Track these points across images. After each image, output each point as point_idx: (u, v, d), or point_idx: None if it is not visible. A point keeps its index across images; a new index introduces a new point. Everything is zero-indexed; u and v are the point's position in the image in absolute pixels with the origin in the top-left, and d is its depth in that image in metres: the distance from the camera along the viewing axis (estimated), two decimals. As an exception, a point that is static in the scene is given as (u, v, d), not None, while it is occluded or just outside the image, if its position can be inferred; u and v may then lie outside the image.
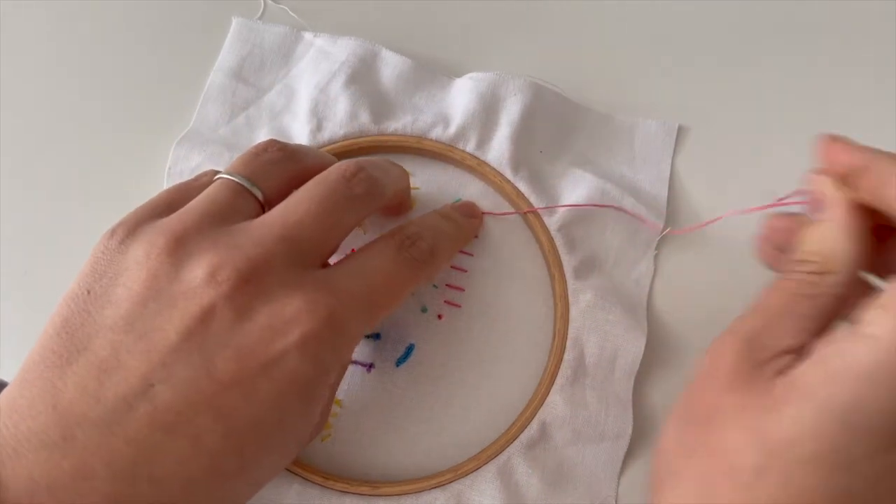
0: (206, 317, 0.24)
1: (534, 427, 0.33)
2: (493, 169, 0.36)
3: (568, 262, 0.35)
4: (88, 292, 0.25)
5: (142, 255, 0.25)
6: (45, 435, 0.22)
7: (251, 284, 0.25)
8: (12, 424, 0.22)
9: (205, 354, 0.24)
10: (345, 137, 0.36)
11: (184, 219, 0.26)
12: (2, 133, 0.37)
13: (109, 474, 0.22)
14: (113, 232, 0.26)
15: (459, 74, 0.38)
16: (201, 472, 0.23)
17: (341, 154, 0.35)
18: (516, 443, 0.32)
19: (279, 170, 0.29)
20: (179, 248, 0.25)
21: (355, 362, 0.34)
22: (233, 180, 0.28)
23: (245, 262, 0.25)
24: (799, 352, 0.23)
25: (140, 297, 0.24)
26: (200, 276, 0.24)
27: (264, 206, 0.28)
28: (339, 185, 0.28)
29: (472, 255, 0.36)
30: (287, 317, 0.25)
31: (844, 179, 0.25)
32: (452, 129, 0.36)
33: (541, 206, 0.35)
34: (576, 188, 0.36)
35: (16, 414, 0.23)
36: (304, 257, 0.26)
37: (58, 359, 0.23)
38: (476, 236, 0.36)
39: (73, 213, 0.36)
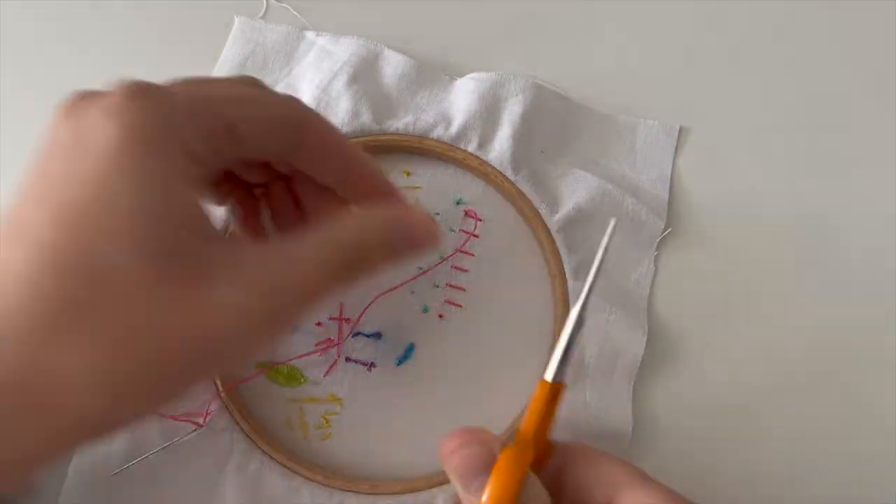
0: (50, 134, 0.24)
1: (534, 427, 0.33)
2: (495, 169, 0.36)
3: (568, 263, 0.35)
4: None
5: None
6: None
7: (87, 91, 0.24)
8: None
9: (39, 157, 0.24)
10: (346, 137, 0.36)
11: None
12: (2, 134, 0.38)
13: None
14: None
15: (461, 74, 0.39)
16: (42, 274, 0.21)
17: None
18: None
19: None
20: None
21: (356, 361, 0.34)
22: None
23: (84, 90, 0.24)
24: None
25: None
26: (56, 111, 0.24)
27: None
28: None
29: (473, 255, 0.36)
30: (107, 94, 0.23)
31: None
32: (454, 129, 0.36)
33: (542, 208, 0.36)
34: (577, 188, 0.36)
35: None
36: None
37: None
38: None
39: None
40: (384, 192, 0.29)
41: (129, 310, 0.22)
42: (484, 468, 0.23)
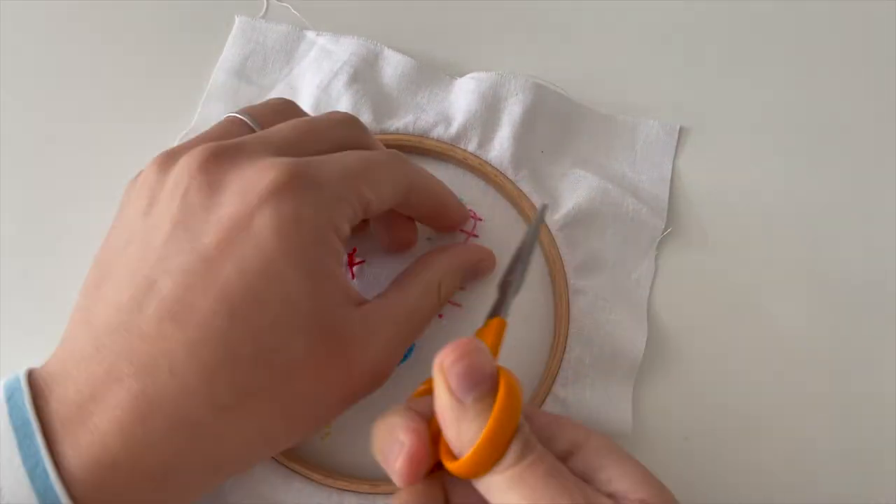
0: (184, 199, 0.25)
1: (534, 426, 0.33)
2: (495, 169, 0.36)
3: (569, 262, 0.35)
4: (113, 228, 0.27)
5: (141, 180, 0.27)
6: (84, 350, 0.24)
7: (221, 158, 0.25)
8: (62, 351, 0.25)
9: (191, 235, 0.24)
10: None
11: (184, 144, 0.28)
12: (2, 135, 0.38)
13: (133, 371, 0.23)
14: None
15: (461, 74, 0.39)
16: (217, 359, 0.23)
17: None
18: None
19: (282, 116, 0.30)
20: (169, 161, 0.26)
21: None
22: (237, 117, 0.29)
23: (216, 146, 0.26)
24: None
25: (141, 211, 0.26)
26: (178, 168, 0.26)
27: None
28: (321, 116, 0.30)
29: (473, 254, 0.36)
30: (255, 177, 0.25)
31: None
32: (454, 129, 0.36)
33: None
34: (577, 188, 0.36)
35: (64, 342, 0.25)
36: (278, 149, 0.27)
37: (91, 286, 0.26)
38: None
39: (75, 213, 0.36)
40: (460, 222, 0.34)
41: (290, 386, 0.25)
42: (489, 377, 0.23)
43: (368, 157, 0.29)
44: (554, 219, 0.36)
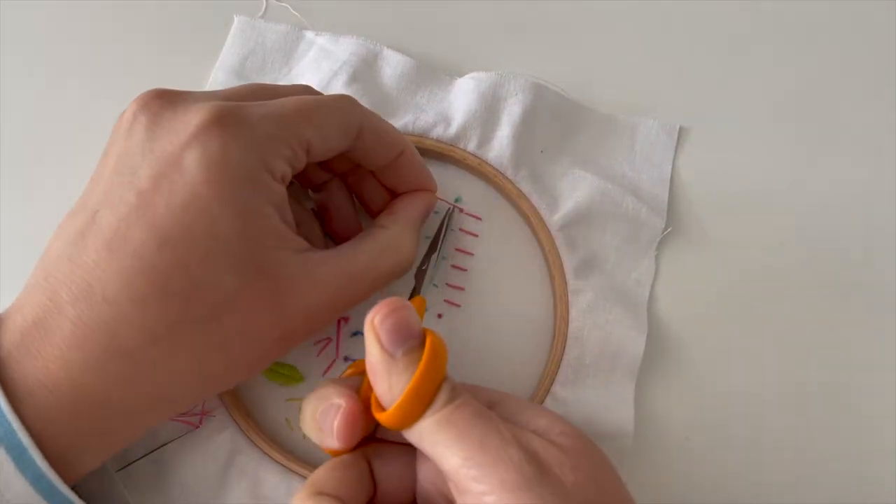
0: (128, 133, 0.26)
1: (533, 426, 0.33)
2: (494, 168, 0.36)
3: (568, 262, 0.35)
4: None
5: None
6: (35, 281, 0.26)
7: (164, 99, 0.27)
8: (24, 288, 0.26)
9: (131, 169, 0.26)
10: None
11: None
12: (2, 135, 0.37)
13: (71, 299, 0.24)
14: None
15: (461, 74, 0.39)
16: (149, 289, 0.24)
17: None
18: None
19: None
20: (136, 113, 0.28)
21: (354, 360, 0.34)
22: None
23: (162, 90, 0.27)
24: None
25: (103, 150, 0.28)
26: (128, 107, 0.27)
27: None
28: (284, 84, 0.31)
29: (472, 254, 0.36)
30: (189, 117, 0.26)
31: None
32: (453, 129, 0.36)
33: (542, 208, 0.36)
34: (577, 188, 0.36)
35: (28, 279, 0.27)
36: (224, 99, 0.27)
37: (59, 226, 0.27)
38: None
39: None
40: (423, 179, 0.33)
41: (223, 321, 0.26)
42: (417, 331, 0.25)
43: (311, 98, 0.29)
44: (553, 219, 0.35)
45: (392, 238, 0.31)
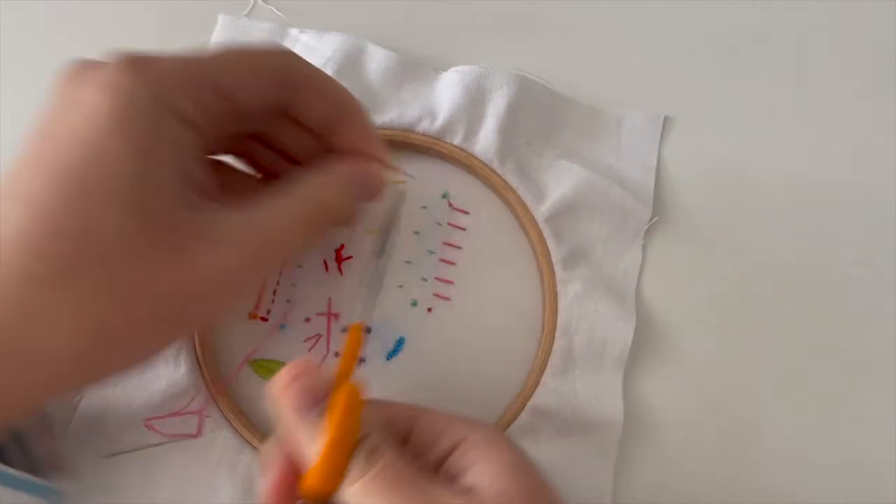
0: (54, 93, 0.25)
1: (524, 417, 0.33)
2: (481, 161, 0.36)
3: (556, 254, 0.35)
4: None
5: None
6: None
7: (93, 61, 0.25)
8: None
9: (45, 120, 0.25)
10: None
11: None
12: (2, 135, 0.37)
13: None
14: None
15: (445, 68, 0.39)
16: (40, 232, 0.23)
17: (328, 149, 0.35)
18: (507, 433, 0.33)
19: None
20: None
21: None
22: None
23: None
24: None
25: None
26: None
27: None
28: None
29: (460, 247, 0.36)
30: (107, 66, 0.25)
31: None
32: (439, 123, 0.36)
33: (528, 199, 0.36)
34: (563, 179, 0.36)
35: None
36: None
37: None
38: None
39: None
40: (368, 145, 0.31)
41: (116, 268, 0.24)
42: (323, 397, 0.24)
43: (238, 47, 0.28)
44: (540, 210, 0.36)
45: (315, 188, 0.29)
